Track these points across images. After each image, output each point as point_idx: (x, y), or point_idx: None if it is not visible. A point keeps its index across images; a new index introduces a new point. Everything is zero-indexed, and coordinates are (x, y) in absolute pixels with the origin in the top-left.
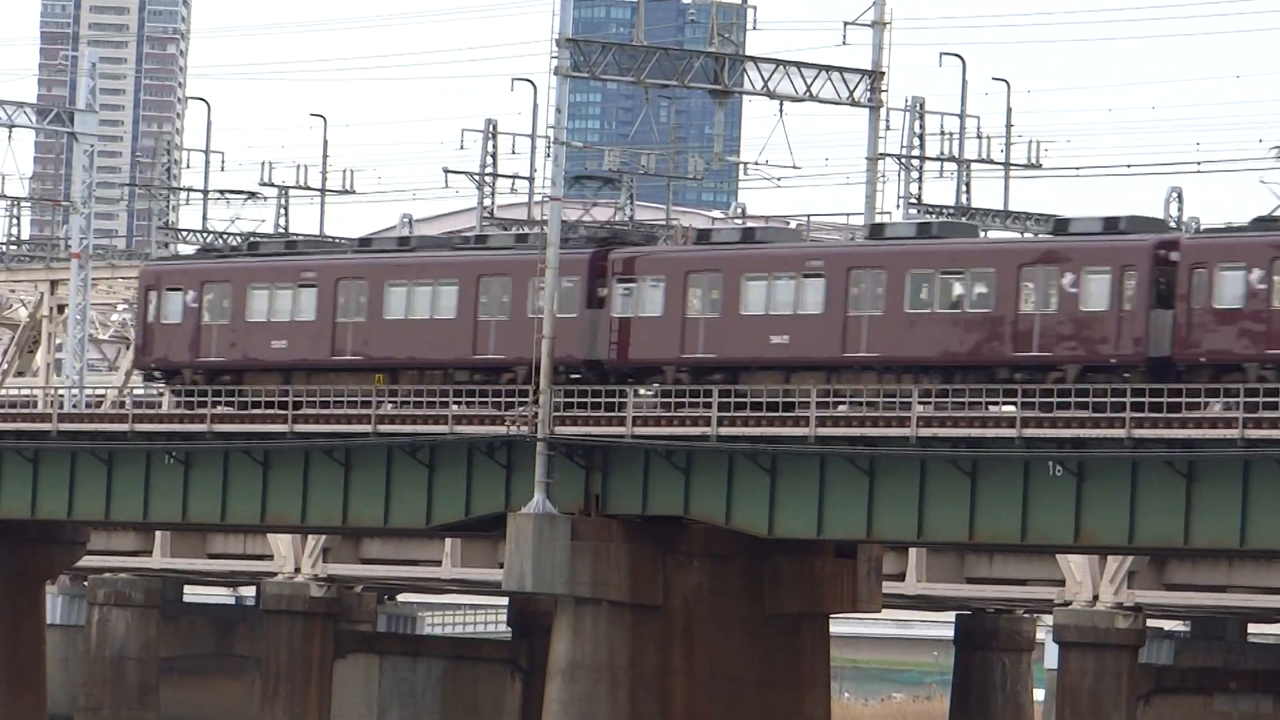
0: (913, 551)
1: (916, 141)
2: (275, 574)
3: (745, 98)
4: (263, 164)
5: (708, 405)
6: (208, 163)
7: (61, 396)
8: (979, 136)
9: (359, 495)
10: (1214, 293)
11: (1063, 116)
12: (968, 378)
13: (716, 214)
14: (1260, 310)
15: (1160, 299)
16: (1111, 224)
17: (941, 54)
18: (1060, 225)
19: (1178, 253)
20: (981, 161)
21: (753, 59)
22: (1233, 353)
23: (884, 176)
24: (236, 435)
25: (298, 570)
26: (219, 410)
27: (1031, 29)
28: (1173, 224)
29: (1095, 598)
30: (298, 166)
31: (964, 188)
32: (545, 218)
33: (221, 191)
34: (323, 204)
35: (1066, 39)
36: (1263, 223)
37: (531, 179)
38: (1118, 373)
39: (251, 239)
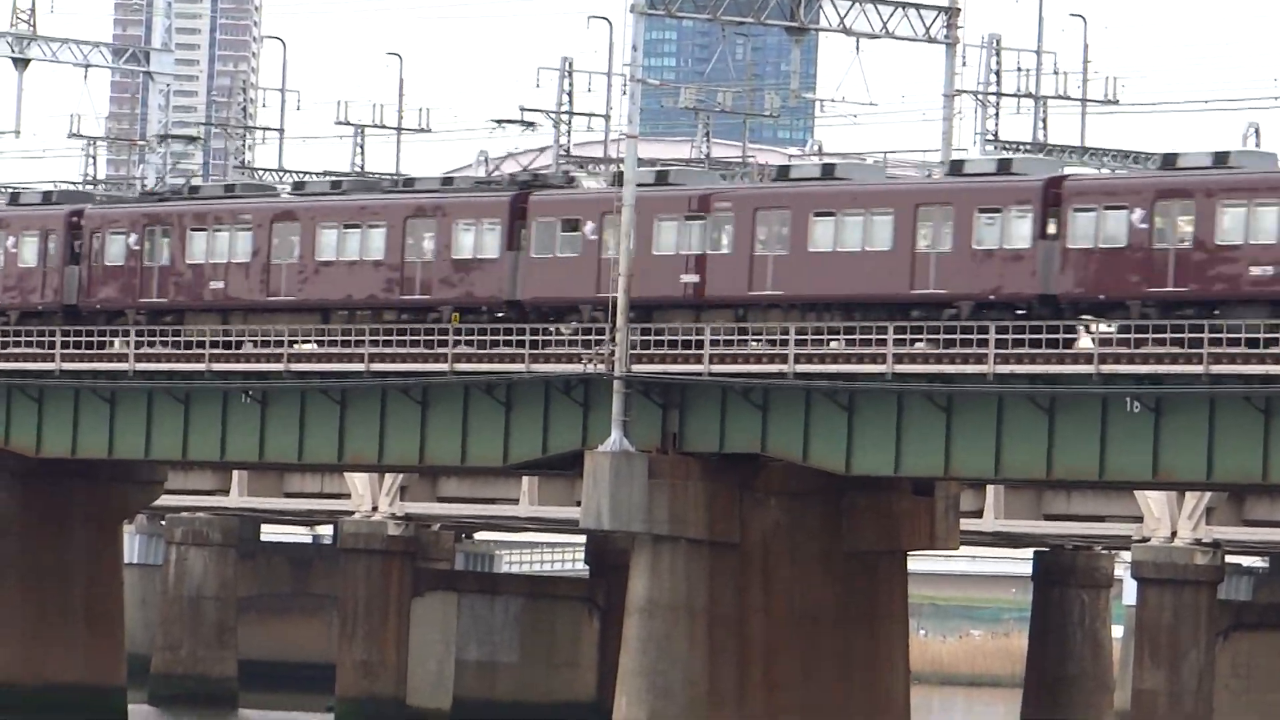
0: (990, 488)
1: (993, 78)
2: (352, 513)
3: (821, 34)
4: (338, 103)
5: (785, 343)
6: (283, 102)
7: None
8: (1056, 72)
9: (436, 434)
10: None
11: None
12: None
13: (793, 151)
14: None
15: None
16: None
17: None
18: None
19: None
20: (1058, 98)
21: None
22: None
23: (960, 113)
24: (313, 374)
25: (375, 509)
26: (295, 350)
27: None
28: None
29: (1173, 534)
30: (373, 105)
31: (1041, 124)
32: (622, 155)
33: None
34: (399, 142)
35: None
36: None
37: (608, 117)
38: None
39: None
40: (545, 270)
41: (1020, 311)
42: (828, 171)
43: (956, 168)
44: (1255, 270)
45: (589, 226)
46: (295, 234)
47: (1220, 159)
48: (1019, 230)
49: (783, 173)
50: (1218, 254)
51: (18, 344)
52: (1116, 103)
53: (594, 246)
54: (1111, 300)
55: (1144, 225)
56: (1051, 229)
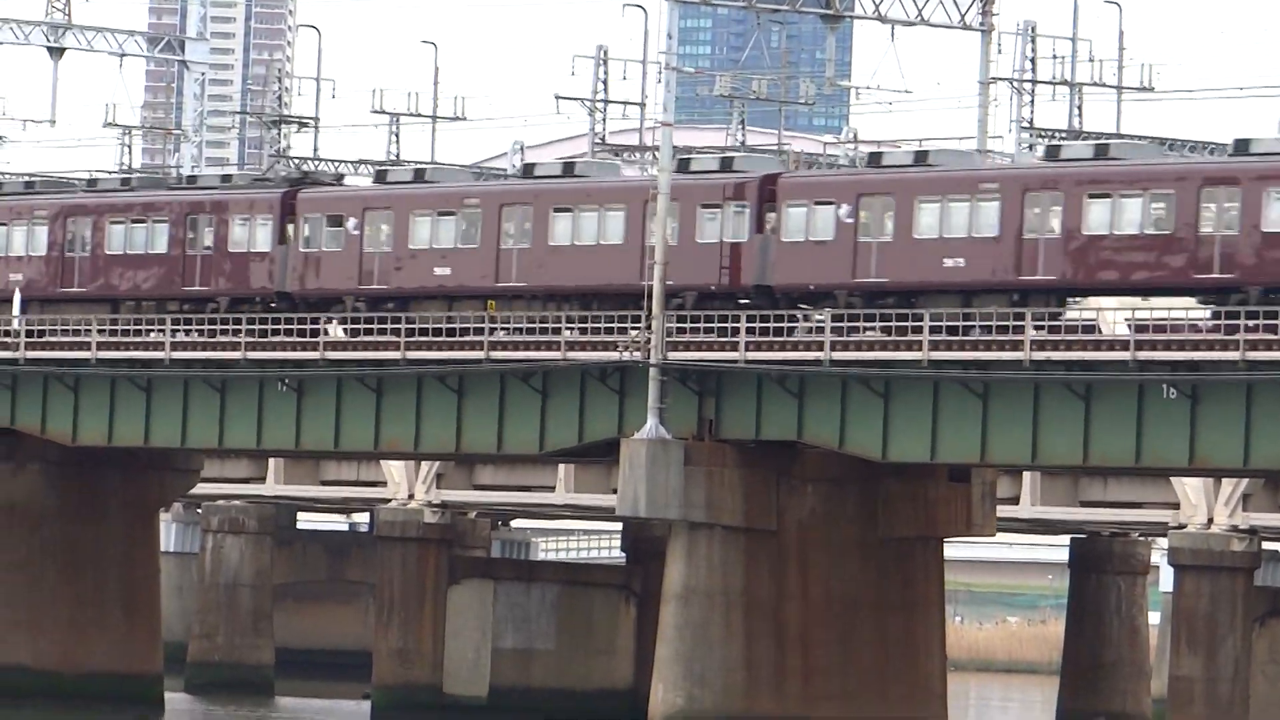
0: (1026, 475)
1: (1028, 65)
2: (389, 500)
3: (856, 22)
4: (373, 91)
5: (820, 329)
6: (319, 91)
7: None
8: (1091, 59)
9: (472, 421)
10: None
11: (1176, 38)
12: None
13: (828, 138)
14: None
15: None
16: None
17: None
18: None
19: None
20: (1094, 85)
21: None
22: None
23: (995, 100)
24: (349, 362)
25: (411, 496)
26: (331, 338)
27: None
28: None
29: (1210, 520)
30: (409, 93)
31: (1076, 111)
32: (657, 143)
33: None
34: (434, 131)
35: None
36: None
37: (643, 105)
38: None
39: None
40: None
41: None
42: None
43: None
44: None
45: (351, 222)
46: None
47: (920, 158)
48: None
49: (874, 159)
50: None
51: (54, 333)
52: (1152, 89)
53: (356, 241)
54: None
55: (849, 220)
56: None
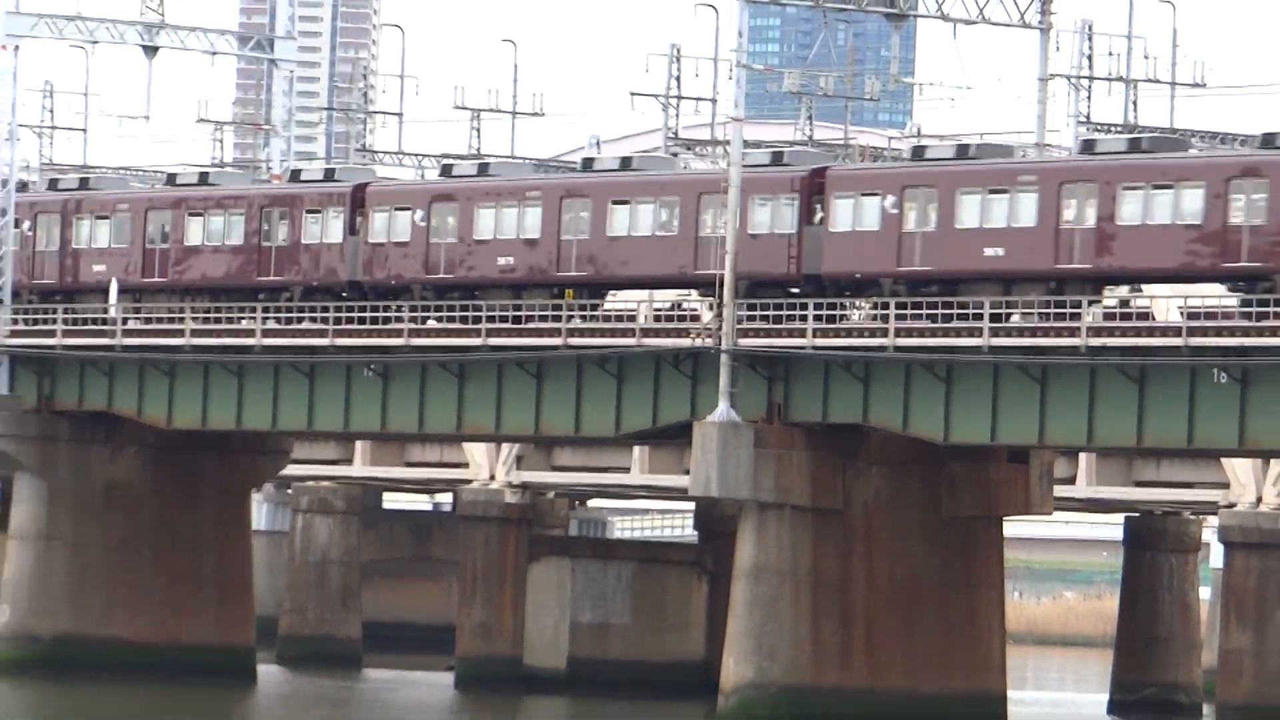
0: (1083, 456)
1: (1085, 62)
2: (471, 481)
3: (919, 20)
4: (455, 88)
5: (885, 318)
6: (402, 87)
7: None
8: (1146, 56)
9: (550, 405)
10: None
11: (1228, 35)
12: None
13: (893, 133)
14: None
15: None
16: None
17: None
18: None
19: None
20: (1149, 81)
21: None
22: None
23: (1054, 96)
24: (433, 349)
25: (492, 478)
26: (415, 325)
27: None
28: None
29: (1259, 499)
30: (489, 90)
31: (1132, 106)
32: (727, 137)
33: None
34: (513, 126)
35: None
36: None
37: (714, 101)
38: None
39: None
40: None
41: None
42: (961, 153)
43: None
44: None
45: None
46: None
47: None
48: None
49: (917, 152)
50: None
51: (148, 320)
52: (1205, 85)
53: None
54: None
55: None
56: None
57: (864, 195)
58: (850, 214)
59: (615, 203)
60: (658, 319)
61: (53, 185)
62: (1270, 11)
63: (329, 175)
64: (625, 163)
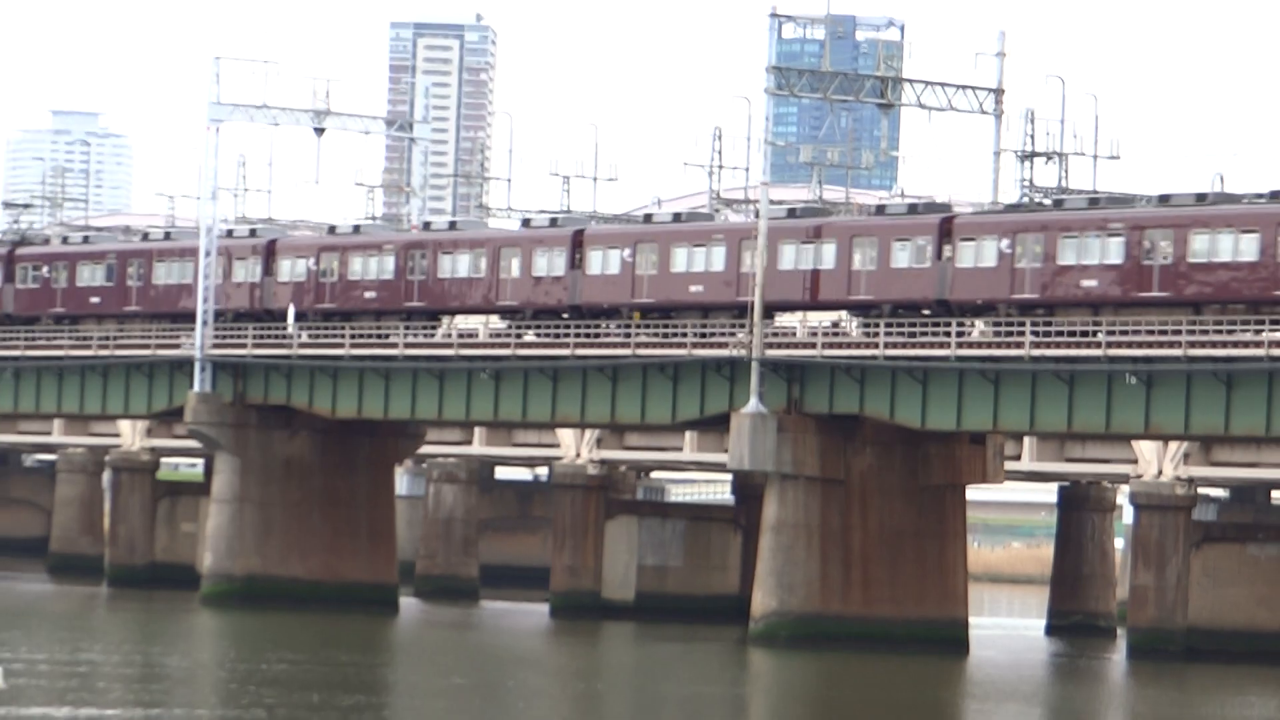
0: (1026, 439)
1: (1029, 140)
2: (562, 458)
3: (903, 108)
4: (550, 158)
5: (876, 332)
6: (511, 159)
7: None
8: (1074, 135)
9: (622, 400)
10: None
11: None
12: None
13: (883, 194)
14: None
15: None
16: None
17: (1047, 75)
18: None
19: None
20: (1077, 154)
21: (908, 80)
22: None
23: (1004, 166)
24: (533, 357)
25: (578, 455)
26: (522, 339)
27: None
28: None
29: (1160, 472)
30: (577, 160)
31: (1064, 174)
32: (756, 198)
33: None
34: (595, 187)
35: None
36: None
37: (748, 169)
38: None
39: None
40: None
41: None
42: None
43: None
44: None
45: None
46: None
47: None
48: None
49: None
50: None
51: (314, 334)
52: (1118, 157)
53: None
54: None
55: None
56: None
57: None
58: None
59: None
60: (700, 335)
61: (252, 233)
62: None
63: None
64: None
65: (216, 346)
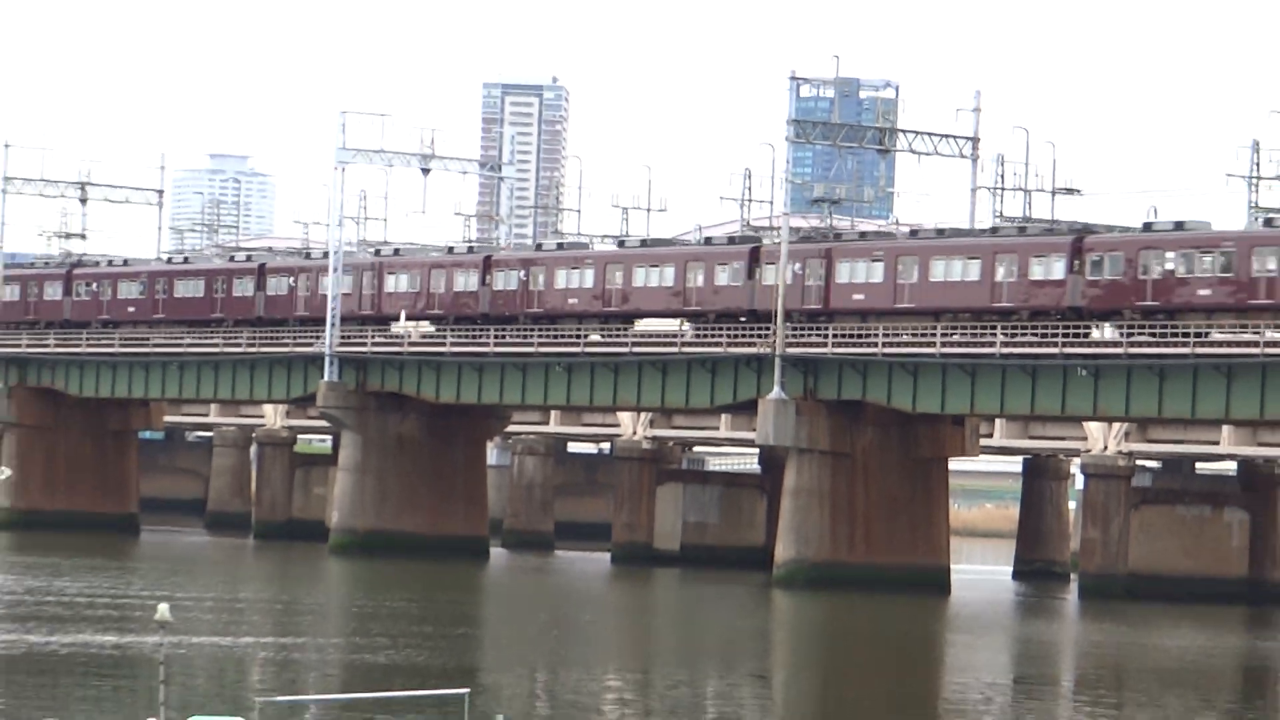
0: (998, 420)
1: (1000, 179)
2: (621, 435)
3: (898, 153)
4: (612, 193)
5: (874, 333)
6: (580, 194)
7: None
8: (1036, 174)
9: (670, 388)
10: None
11: (1089, 157)
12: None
13: (881, 223)
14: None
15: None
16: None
17: (1014, 126)
18: None
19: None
20: (1039, 190)
21: (902, 130)
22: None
23: (981, 200)
24: (597, 354)
25: (635, 433)
26: (589, 338)
27: (1073, 105)
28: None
29: (1105, 447)
30: (633, 194)
31: (1028, 206)
32: (779, 225)
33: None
34: (649, 216)
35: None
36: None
37: (772, 202)
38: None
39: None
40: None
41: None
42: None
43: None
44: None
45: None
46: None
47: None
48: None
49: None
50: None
51: (425, 335)
52: (1076, 191)
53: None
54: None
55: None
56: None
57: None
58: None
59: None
60: (733, 337)
61: (376, 253)
62: (1117, 143)
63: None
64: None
65: (342, 345)
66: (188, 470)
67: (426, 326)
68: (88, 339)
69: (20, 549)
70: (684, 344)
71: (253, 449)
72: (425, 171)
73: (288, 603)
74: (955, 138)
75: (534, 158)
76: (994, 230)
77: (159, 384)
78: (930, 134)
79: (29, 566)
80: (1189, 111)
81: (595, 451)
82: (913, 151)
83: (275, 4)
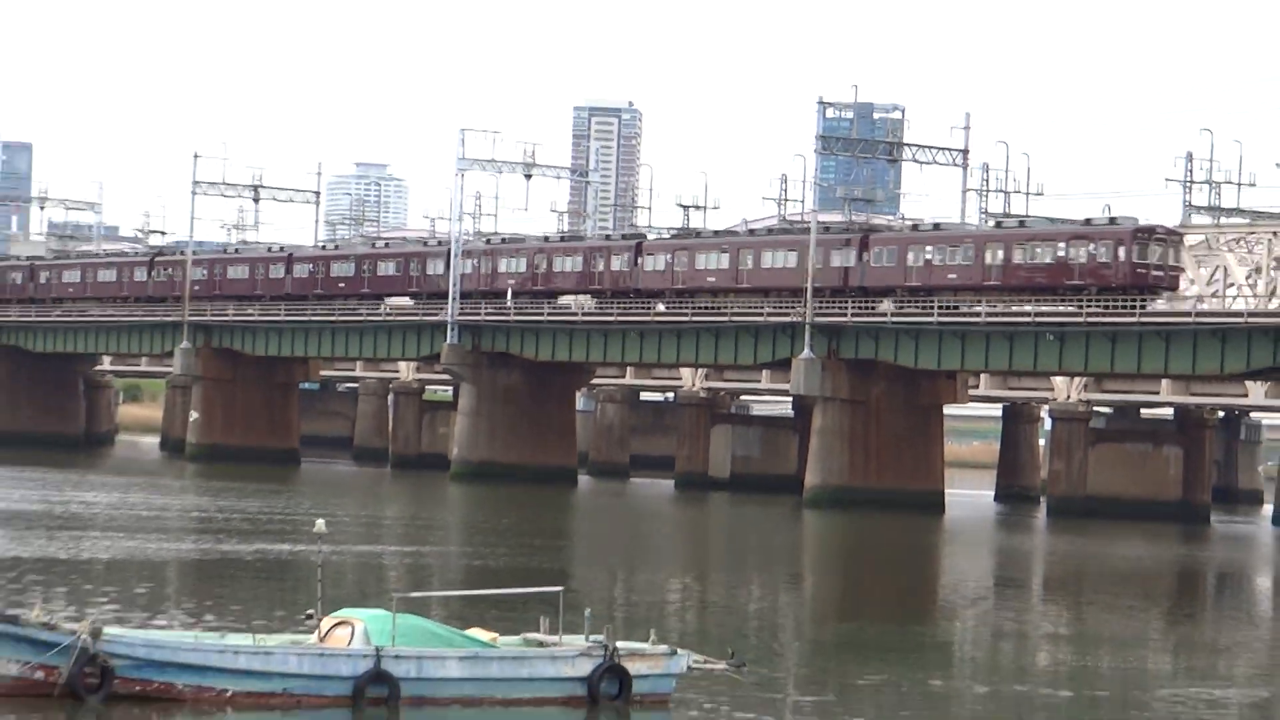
0: (983, 375)
1: (984, 183)
2: (683, 386)
3: (904, 163)
4: (676, 193)
5: (884, 308)
6: (651, 196)
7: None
8: (1014, 179)
9: (722, 349)
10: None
11: (1053, 164)
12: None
13: (891, 217)
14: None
15: None
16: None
17: (1000, 141)
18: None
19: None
20: (1015, 191)
21: (907, 144)
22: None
23: (968, 199)
24: (665, 322)
25: (694, 385)
26: (655, 309)
27: (1048, 126)
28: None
29: (1069, 396)
30: (693, 195)
31: (1008, 204)
32: (808, 221)
33: None
34: (705, 213)
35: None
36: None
37: (803, 201)
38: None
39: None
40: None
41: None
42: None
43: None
44: None
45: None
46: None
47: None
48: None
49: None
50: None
51: (520, 307)
52: (1042, 194)
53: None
54: None
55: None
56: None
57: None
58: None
59: (764, 251)
60: (775, 308)
61: (487, 242)
62: (1079, 154)
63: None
64: (752, 232)
65: (461, 314)
66: (338, 414)
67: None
68: (260, 309)
69: (206, 477)
70: (734, 313)
71: (390, 397)
72: (528, 177)
73: (418, 519)
74: (950, 150)
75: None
76: (799, 229)
77: (316, 345)
78: (929, 147)
79: (217, 490)
80: (1142, 128)
81: (662, 399)
82: (916, 161)
83: (411, 42)
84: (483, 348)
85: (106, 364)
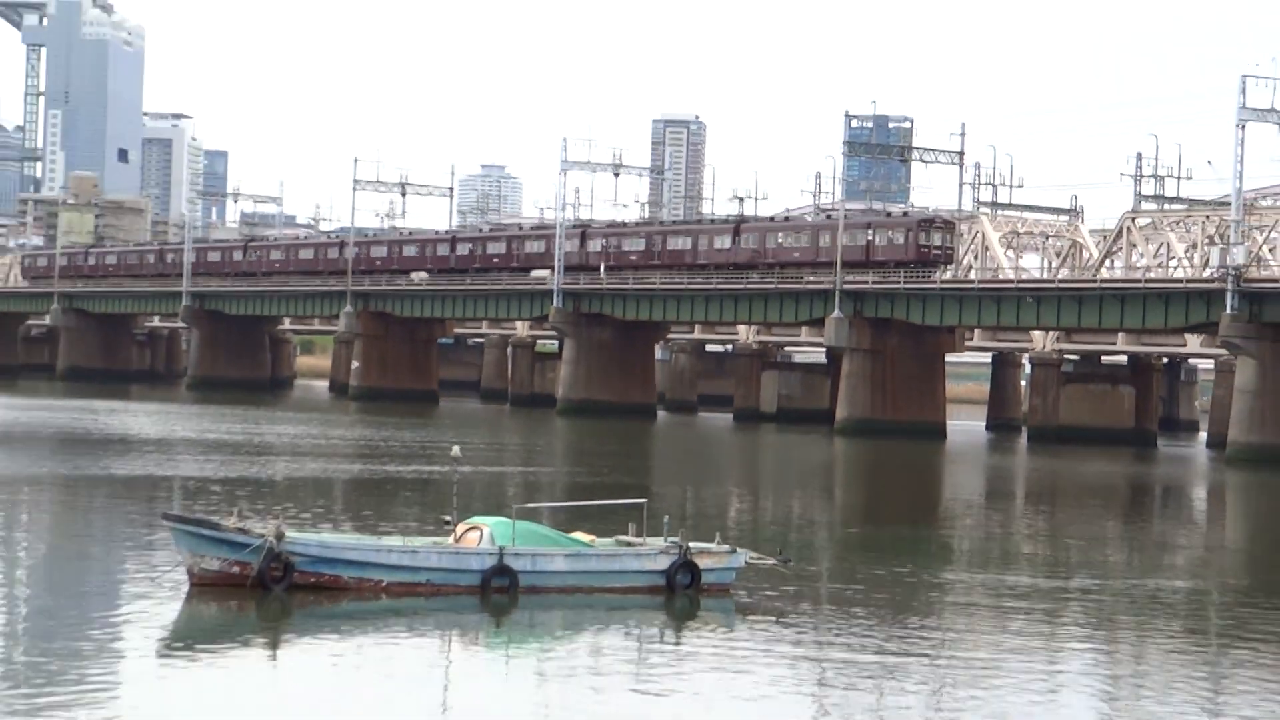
0: (976, 330)
1: (976, 177)
2: (739, 339)
3: (912, 163)
4: (732, 188)
5: (898, 277)
6: (714, 190)
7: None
8: (999, 173)
9: (770, 310)
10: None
11: (1033, 158)
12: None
13: (903, 206)
14: None
15: None
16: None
17: (990, 145)
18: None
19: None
20: (1002, 184)
21: (915, 148)
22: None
23: (964, 190)
24: (725, 289)
25: (748, 338)
26: (712, 281)
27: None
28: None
29: (1044, 346)
30: (746, 188)
31: (995, 196)
32: (837, 210)
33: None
34: (741, 205)
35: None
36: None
37: (833, 194)
38: None
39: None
40: None
41: None
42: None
43: None
44: None
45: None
46: None
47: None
48: None
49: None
50: None
51: (611, 275)
52: (1023, 186)
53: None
54: None
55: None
56: None
57: (754, 232)
58: (751, 240)
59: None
60: (807, 278)
61: (582, 226)
62: (1055, 153)
63: (784, 218)
64: (787, 219)
65: (566, 283)
66: (469, 363)
67: (423, 274)
68: (406, 281)
69: (365, 413)
70: (780, 281)
71: (509, 349)
72: (616, 175)
73: (531, 446)
74: (949, 152)
75: (684, 166)
76: (711, 221)
77: (451, 308)
78: (933, 149)
79: (374, 424)
80: (1102, 133)
81: (723, 350)
82: (922, 161)
83: (525, 68)
84: (581, 310)
85: (287, 324)
